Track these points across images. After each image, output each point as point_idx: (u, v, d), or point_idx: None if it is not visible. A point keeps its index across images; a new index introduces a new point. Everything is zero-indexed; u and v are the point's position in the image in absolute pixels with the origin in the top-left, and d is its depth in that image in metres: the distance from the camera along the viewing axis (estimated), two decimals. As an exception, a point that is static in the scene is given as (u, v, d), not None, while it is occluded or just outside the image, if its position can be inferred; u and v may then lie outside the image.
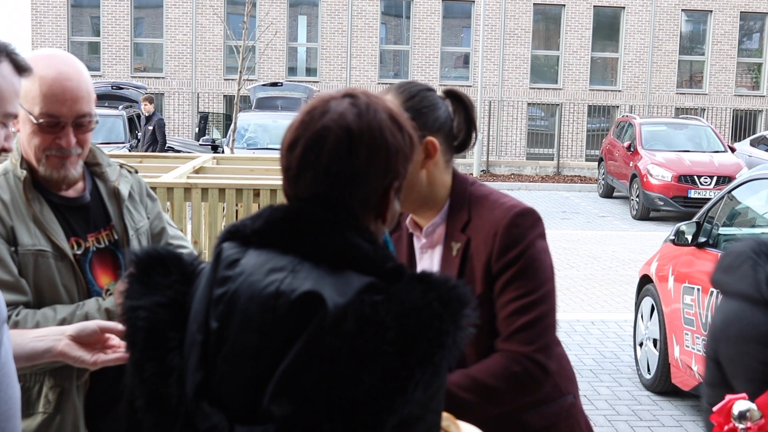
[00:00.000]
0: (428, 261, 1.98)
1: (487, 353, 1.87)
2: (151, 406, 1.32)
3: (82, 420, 2.09)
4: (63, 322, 1.99)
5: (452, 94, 1.98)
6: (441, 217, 1.95)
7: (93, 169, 2.20)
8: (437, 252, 1.96)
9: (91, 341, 1.87)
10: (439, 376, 1.25)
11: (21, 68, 1.60)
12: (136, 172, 2.34)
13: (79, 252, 2.08)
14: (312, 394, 1.20)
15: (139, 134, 14.50)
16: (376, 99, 1.39)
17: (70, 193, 2.12)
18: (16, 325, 1.94)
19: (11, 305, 1.96)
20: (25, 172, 2.04)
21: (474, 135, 1.98)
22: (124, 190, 2.22)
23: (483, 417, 1.92)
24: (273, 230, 1.32)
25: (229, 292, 1.30)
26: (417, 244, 2.01)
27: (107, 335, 1.88)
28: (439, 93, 1.98)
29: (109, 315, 2.06)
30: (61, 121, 1.98)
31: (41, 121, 1.97)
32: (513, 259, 1.83)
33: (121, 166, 2.29)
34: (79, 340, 1.85)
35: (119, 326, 1.78)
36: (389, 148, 1.34)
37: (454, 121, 1.96)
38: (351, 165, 1.31)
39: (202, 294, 1.34)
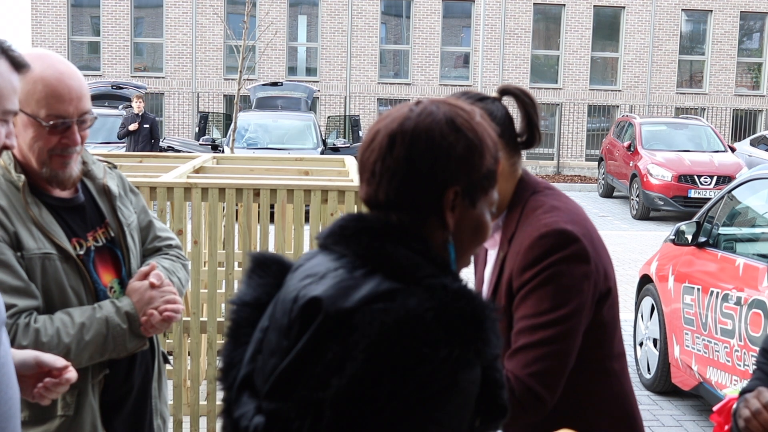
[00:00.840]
0: (490, 263, 1.99)
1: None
2: (222, 394, 1.45)
3: (99, 419, 2.10)
4: (82, 327, 1.98)
5: (509, 92, 1.91)
6: (498, 223, 1.93)
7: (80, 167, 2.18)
8: (494, 256, 1.96)
9: (30, 374, 1.77)
10: (421, 394, 1.20)
11: (18, 65, 1.59)
12: (116, 167, 2.33)
13: (81, 252, 2.07)
14: (291, 395, 1.27)
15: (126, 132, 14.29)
16: (444, 105, 1.36)
17: (65, 193, 2.11)
18: (36, 334, 1.92)
19: (26, 311, 1.94)
20: (23, 176, 2.01)
21: (538, 132, 1.90)
22: (114, 187, 2.22)
23: None
24: (333, 234, 1.38)
25: (280, 294, 1.41)
26: (489, 248, 2.01)
27: (45, 369, 1.78)
28: (494, 94, 1.92)
29: (129, 318, 2.06)
30: (68, 120, 1.98)
31: (51, 123, 1.96)
32: (528, 279, 1.79)
33: (102, 161, 2.28)
34: (20, 372, 1.73)
35: (58, 362, 1.76)
36: (435, 149, 1.31)
37: (516, 119, 1.91)
38: (390, 164, 1.32)
39: (278, 295, 1.45)
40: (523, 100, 1.89)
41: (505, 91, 1.92)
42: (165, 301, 2.11)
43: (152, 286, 2.10)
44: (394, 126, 1.33)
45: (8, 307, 1.89)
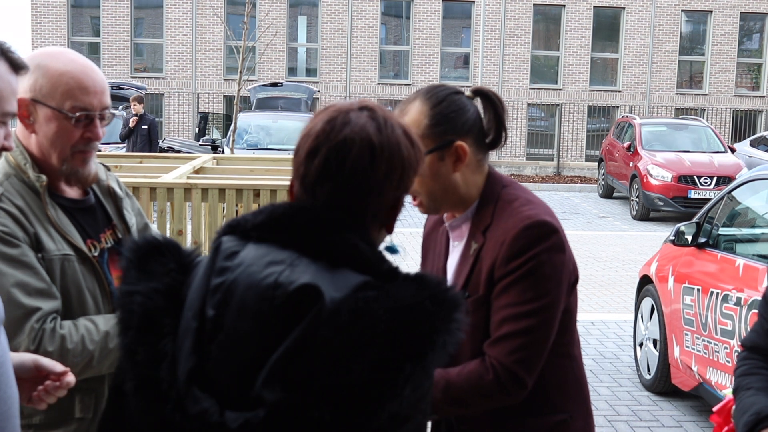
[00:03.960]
0: (456, 254, 2.01)
1: (480, 354, 1.88)
2: (141, 389, 1.34)
3: None
4: (107, 335, 1.95)
5: (481, 93, 1.98)
6: (467, 214, 1.97)
7: None
8: (461, 247, 1.99)
9: (28, 377, 1.74)
10: (428, 377, 1.28)
11: (17, 66, 1.57)
12: (109, 169, 2.31)
13: (96, 254, 2.06)
14: (303, 382, 1.23)
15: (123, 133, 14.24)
16: (390, 114, 1.43)
17: (76, 195, 2.09)
18: (62, 340, 1.88)
19: (51, 314, 1.90)
20: (44, 177, 1.98)
21: (504, 134, 1.98)
22: (117, 188, 2.21)
23: (461, 415, 1.95)
24: (273, 225, 1.36)
25: (227, 282, 1.33)
26: (451, 237, 2.04)
27: (44, 373, 1.74)
28: (467, 93, 1.98)
29: None
30: (92, 113, 1.96)
31: (77, 114, 1.93)
32: (513, 269, 1.84)
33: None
34: (18, 375, 1.69)
35: (57, 366, 1.74)
36: (404, 163, 1.39)
37: (484, 119, 1.96)
38: (370, 178, 1.36)
39: (199, 283, 1.37)
40: (494, 102, 1.97)
41: (478, 92, 1.99)
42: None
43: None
44: (366, 137, 1.37)
45: (33, 310, 1.87)
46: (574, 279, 1.96)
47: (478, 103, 1.99)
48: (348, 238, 1.34)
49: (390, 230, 1.45)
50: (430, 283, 1.29)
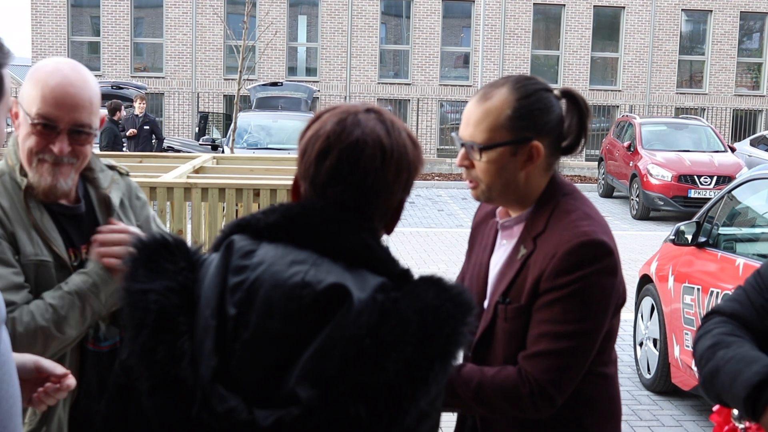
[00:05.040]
0: (502, 253, 1.96)
1: (512, 361, 1.86)
2: (162, 388, 1.32)
3: None
4: (54, 308, 1.92)
5: (569, 96, 1.92)
6: (521, 216, 1.92)
7: (85, 173, 2.12)
8: (510, 248, 1.94)
9: (29, 378, 1.72)
10: (447, 376, 1.31)
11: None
12: (128, 174, 2.28)
13: (76, 264, 2.03)
14: (337, 380, 1.25)
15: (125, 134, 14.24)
16: (394, 116, 1.45)
17: (66, 201, 2.06)
18: (13, 322, 1.87)
19: (21, 304, 1.90)
20: (25, 179, 1.97)
21: (584, 141, 1.92)
22: (116, 199, 2.16)
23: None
24: (289, 225, 1.37)
25: (248, 281, 1.33)
26: (499, 234, 1.99)
27: (44, 375, 1.71)
28: (556, 92, 1.91)
29: (95, 290, 1.96)
30: (57, 126, 1.93)
31: (36, 121, 1.92)
32: (561, 285, 1.78)
33: (112, 168, 2.22)
34: (19, 376, 1.65)
35: (57, 368, 1.72)
36: (410, 165, 1.42)
37: (566, 122, 1.90)
38: (381, 179, 1.38)
39: (212, 281, 1.36)
40: (581, 107, 1.91)
41: (567, 94, 1.93)
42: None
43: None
44: (378, 139, 1.39)
45: (8, 303, 1.86)
46: (622, 302, 1.90)
47: (563, 104, 1.92)
48: (364, 239, 1.36)
49: (389, 231, 1.47)
50: (448, 286, 1.33)
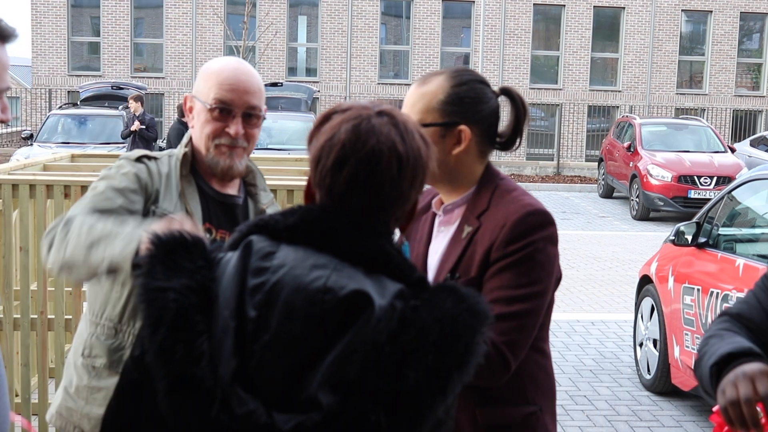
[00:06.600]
0: (442, 239, 2.03)
1: None
2: (180, 387, 1.31)
3: None
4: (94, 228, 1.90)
5: (508, 94, 2.03)
6: (462, 200, 2.01)
7: (249, 188, 2.29)
8: (450, 231, 2.01)
9: None
10: (462, 385, 1.32)
11: (3, 35, 1.56)
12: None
13: (210, 237, 2.11)
14: (358, 386, 1.26)
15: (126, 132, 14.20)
16: (406, 117, 1.45)
17: (227, 189, 2.21)
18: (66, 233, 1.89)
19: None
20: (187, 150, 2.15)
21: (519, 139, 2.03)
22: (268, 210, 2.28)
23: None
24: (308, 228, 1.37)
25: (269, 283, 1.33)
26: (437, 222, 2.07)
27: None
28: (496, 88, 2.02)
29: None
30: (233, 109, 2.10)
31: (214, 106, 2.09)
32: (511, 252, 1.87)
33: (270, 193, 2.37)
34: None
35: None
36: (425, 168, 1.44)
37: (505, 119, 2.00)
38: (398, 187, 1.39)
39: (231, 281, 1.35)
40: (518, 105, 2.02)
41: (506, 92, 2.04)
42: None
43: None
44: (393, 147, 1.39)
45: (66, 218, 1.94)
46: (559, 276, 2.01)
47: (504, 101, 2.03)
48: (382, 245, 1.38)
49: (404, 229, 1.50)
50: (465, 295, 1.35)
